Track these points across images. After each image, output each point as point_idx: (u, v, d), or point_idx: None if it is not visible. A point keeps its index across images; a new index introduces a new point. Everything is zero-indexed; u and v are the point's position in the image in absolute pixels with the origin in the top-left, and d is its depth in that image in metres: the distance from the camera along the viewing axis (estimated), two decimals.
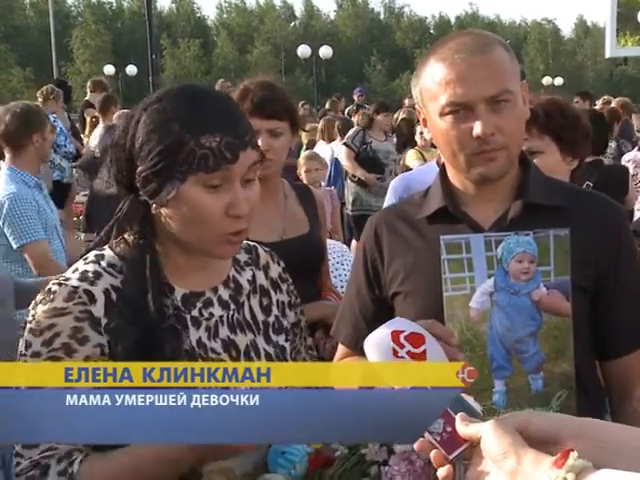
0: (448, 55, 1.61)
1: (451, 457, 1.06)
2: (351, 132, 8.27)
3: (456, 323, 1.56)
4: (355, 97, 13.55)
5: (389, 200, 2.77)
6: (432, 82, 1.64)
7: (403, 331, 1.31)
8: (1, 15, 58.24)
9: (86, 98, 10.02)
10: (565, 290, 1.56)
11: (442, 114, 1.62)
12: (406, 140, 8.79)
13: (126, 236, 1.47)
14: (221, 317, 1.51)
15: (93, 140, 7.60)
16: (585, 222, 1.67)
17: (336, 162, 8.43)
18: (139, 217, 1.44)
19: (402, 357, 1.26)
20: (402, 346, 1.28)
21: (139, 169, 1.39)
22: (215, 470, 1.40)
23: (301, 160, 6.45)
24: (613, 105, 9.67)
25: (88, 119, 9.15)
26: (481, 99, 1.58)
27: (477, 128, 1.58)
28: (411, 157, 7.36)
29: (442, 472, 1.07)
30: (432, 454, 1.09)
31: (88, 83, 10.49)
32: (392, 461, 1.38)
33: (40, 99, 8.70)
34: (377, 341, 1.31)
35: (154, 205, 1.42)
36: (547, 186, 1.74)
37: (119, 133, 1.45)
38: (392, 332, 1.30)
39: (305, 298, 1.74)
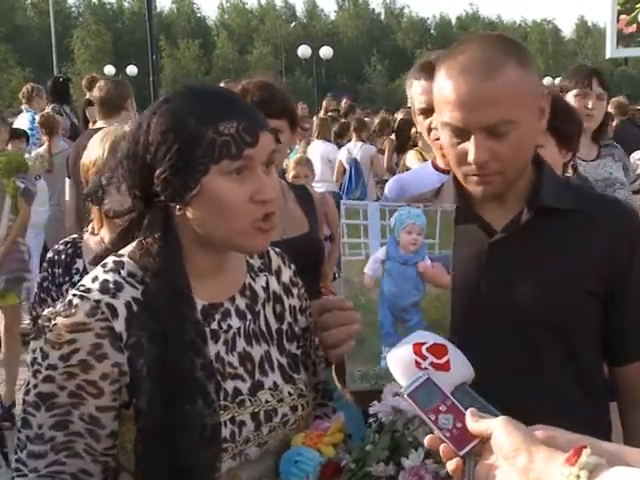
0: (454, 73, 1.58)
1: (461, 453, 1.06)
2: None
3: (352, 288, 1.60)
4: (343, 100, 13.35)
5: None
6: (439, 95, 1.63)
7: (425, 342, 1.30)
8: (2, 15, 58.23)
9: (86, 97, 9.87)
10: (447, 263, 1.61)
11: (443, 128, 1.63)
12: (404, 141, 8.80)
13: (147, 244, 1.42)
14: (238, 329, 1.49)
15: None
16: (598, 225, 1.66)
17: (355, 163, 8.44)
18: (161, 225, 1.41)
19: (425, 369, 1.25)
20: (425, 358, 1.27)
21: (157, 172, 1.36)
22: (222, 474, 1.40)
23: (291, 164, 6.38)
24: (610, 107, 9.63)
25: (91, 122, 8.94)
26: (477, 127, 1.56)
27: (470, 154, 1.58)
28: (411, 158, 7.31)
29: (451, 465, 1.07)
30: (441, 448, 1.08)
31: (83, 82, 10.30)
32: (401, 477, 1.36)
33: (24, 101, 8.61)
34: (399, 355, 1.31)
35: (177, 207, 1.39)
36: (560, 188, 1.73)
37: (127, 145, 1.41)
38: (414, 345, 1.29)
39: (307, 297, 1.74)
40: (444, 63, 1.63)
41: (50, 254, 2.45)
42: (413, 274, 1.60)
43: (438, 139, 2.37)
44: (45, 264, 2.45)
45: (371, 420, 1.45)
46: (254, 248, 1.47)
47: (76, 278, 2.35)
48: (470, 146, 1.57)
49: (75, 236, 2.49)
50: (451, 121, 1.59)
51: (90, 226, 2.49)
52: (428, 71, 2.41)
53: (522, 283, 1.64)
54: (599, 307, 1.66)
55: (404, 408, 1.41)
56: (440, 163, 2.51)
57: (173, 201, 1.38)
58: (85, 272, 2.32)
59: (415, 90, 2.45)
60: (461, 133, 1.58)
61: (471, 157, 1.57)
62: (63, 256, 2.40)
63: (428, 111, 2.39)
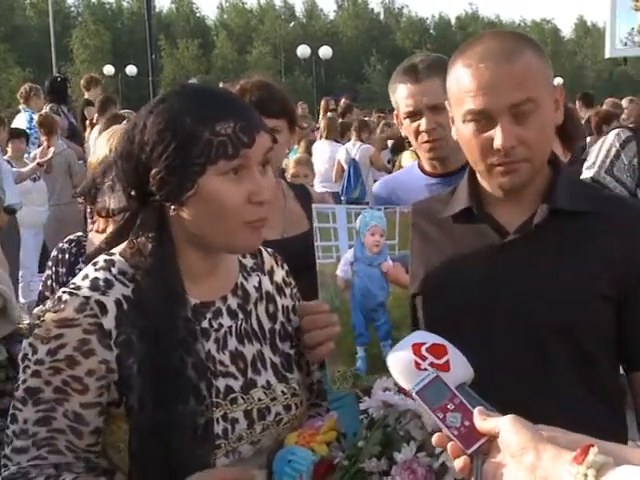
0: (473, 61, 1.59)
1: (469, 451, 1.07)
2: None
3: (327, 290, 1.63)
4: (342, 100, 13.31)
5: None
6: (457, 87, 1.62)
7: (424, 343, 1.30)
8: (1, 15, 58.19)
9: (85, 97, 9.88)
10: (406, 263, 1.66)
11: (465, 121, 1.61)
12: (401, 140, 8.80)
13: (138, 243, 1.43)
14: (230, 328, 1.49)
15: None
16: (613, 228, 1.65)
17: (354, 163, 8.43)
18: (155, 224, 1.41)
19: (425, 369, 1.25)
20: (424, 358, 1.28)
21: (153, 172, 1.36)
22: None
23: (290, 163, 6.42)
24: (605, 107, 9.63)
25: (88, 121, 8.94)
26: (503, 108, 1.55)
27: (497, 140, 1.56)
28: (407, 158, 7.30)
29: (459, 463, 1.07)
30: (449, 446, 1.09)
31: (82, 82, 10.29)
32: (394, 471, 1.36)
33: (22, 101, 8.60)
34: (398, 356, 1.31)
35: (172, 207, 1.39)
36: (576, 190, 1.71)
37: (121, 145, 1.42)
38: (413, 345, 1.30)
39: (305, 296, 1.74)
40: (460, 56, 1.63)
41: (54, 252, 2.44)
42: (378, 274, 1.64)
43: (425, 142, 2.39)
44: (50, 262, 2.44)
45: (362, 417, 1.45)
46: (246, 248, 1.48)
47: None
48: (497, 133, 1.56)
49: (80, 234, 2.48)
50: (475, 107, 1.58)
51: (95, 224, 2.48)
52: (413, 74, 2.41)
53: (533, 285, 1.64)
54: (612, 310, 1.64)
55: (394, 402, 1.42)
56: (426, 166, 2.52)
57: (168, 201, 1.38)
58: None
59: (401, 93, 2.44)
60: (485, 119, 1.58)
61: (498, 142, 1.56)
62: (67, 255, 2.39)
63: (415, 114, 2.40)
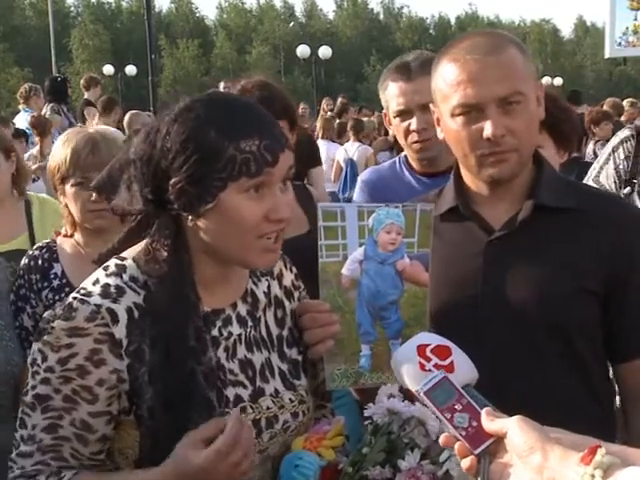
0: (460, 56, 1.61)
1: (476, 452, 1.07)
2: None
3: (329, 289, 1.61)
4: (339, 100, 13.27)
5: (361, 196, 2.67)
6: (444, 83, 1.63)
7: (429, 344, 1.30)
8: (0, 15, 58.17)
9: (85, 97, 9.87)
10: (425, 261, 1.63)
11: (453, 115, 1.63)
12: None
13: (154, 249, 1.41)
14: (239, 335, 1.48)
15: None
16: (598, 224, 1.66)
17: (351, 163, 8.42)
18: (171, 232, 1.39)
19: (429, 370, 1.25)
20: (429, 359, 1.28)
21: (173, 181, 1.34)
22: None
23: None
24: (605, 107, 9.61)
25: (90, 121, 8.87)
26: (492, 100, 1.58)
27: (487, 130, 1.58)
28: None
29: (466, 464, 1.08)
30: (456, 446, 1.09)
31: (81, 82, 10.28)
32: (398, 479, 1.37)
33: (22, 101, 8.57)
34: (403, 357, 1.31)
35: (189, 218, 1.37)
36: (561, 187, 1.73)
37: (141, 147, 1.39)
38: (418, 346, 1.30)
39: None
40: (445, 55, 1.65)
41: (25, 260, 2.39)
42: (391, 273, 1.61)
43: (415, 142, 2.38)
44: (20, 271, 2.38)
45: (367, 422, 1.44)
46: (262, 265, 1.46)
47: (55, 283, 2.32)
48: (486, 123, 1.59)
49: (48, 241, 2.44)
50: (464, 100, 1.60)
51: (63, 229, 2.45)
52: (406, 72, 2.39)
53: (520, 281, 1.65)
54: (598, 305, 1.66)
55: (399, 410, 1.41)
56: (415, 165, 2.50)
57: (186, 211, 1.37)
58: (64, 276, 2.32)
59: (392, 92, 2.42)
60: (475, 111, 1.59)
61: (488, 131, 1.58)
62: (40, 261, 2.35)
63: (406, 113, 2.38)
